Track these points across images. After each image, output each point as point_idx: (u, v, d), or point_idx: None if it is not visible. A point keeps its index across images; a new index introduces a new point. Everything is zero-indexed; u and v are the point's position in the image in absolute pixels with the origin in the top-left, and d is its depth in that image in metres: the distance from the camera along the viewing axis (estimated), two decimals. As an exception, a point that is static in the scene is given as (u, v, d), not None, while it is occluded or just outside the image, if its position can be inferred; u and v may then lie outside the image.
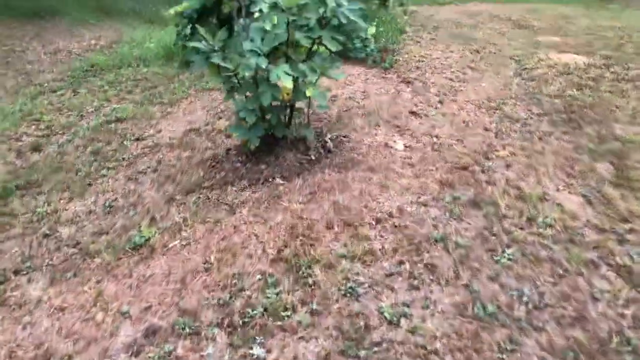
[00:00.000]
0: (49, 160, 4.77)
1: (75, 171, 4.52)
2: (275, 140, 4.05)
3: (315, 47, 3.86)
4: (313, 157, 4.04)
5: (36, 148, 5.09)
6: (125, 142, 5.02)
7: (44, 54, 9.35)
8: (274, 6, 3.63)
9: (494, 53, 7.72)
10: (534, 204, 3.52)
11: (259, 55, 3.53)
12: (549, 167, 4.06)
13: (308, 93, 3.65)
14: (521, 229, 3.25)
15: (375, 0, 8.34)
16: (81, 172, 4.47)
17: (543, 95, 5.76)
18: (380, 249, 3.01)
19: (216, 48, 3.90)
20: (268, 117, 3.91)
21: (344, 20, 3.70)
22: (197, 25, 6.94)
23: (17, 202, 4.08)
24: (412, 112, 5.12)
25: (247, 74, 3.50)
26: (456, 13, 11.59)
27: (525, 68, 6.92)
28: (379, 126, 4.77)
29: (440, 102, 5.49)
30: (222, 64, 3.69)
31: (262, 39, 3.61)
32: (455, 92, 5.82)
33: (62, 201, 4.06)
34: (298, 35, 3.66)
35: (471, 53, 7.71)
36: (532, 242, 3.11)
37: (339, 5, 3.70)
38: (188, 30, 8.37)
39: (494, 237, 3.15)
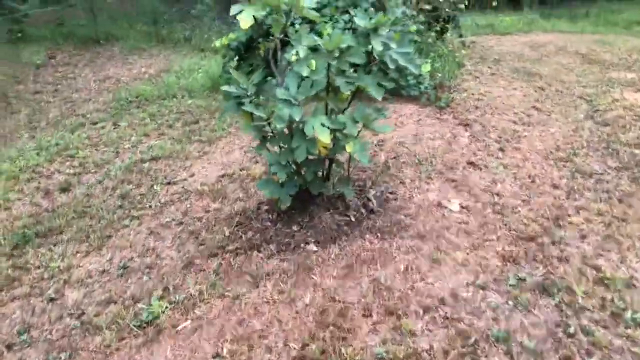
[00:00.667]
0: (74, 204, 4.47)
1: (98, 218, 4.19)
2: (310, 197, 3.58)
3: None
4: (353, 219, 3.54)
5: (65, 188, 4.82)
6: (155, 187, 4.67)
7: (93, 82, 9.32)
8: (313, 49, 3.20)
9: (561, 92, 7.04)
10: (619, 291, 2.88)
11: (293, 105, 3.09)
12: (634, 239, 3.41)
13: (348, 149, 3.17)
14: (605, 327, 2.63)
15: (432, 33, 7.85)
16: (104, 220, 4.14)
17: (620, 144, 5.07)
18: (427, 350, 2.46)
19: (249, 93, 3.50)
20: (303, 171, 3.45)
21: (392, 66, 3.22)
22: (238, 62, 6.57)
23: (32, 253, 3.77)
24: (470, 163, 4.55)
25: (279, 126, 3.06)
26: (518, 44, 10.92)
27: (598, 110, 6.23)
28: (431, 179, 4.23)
29: (502, 149, 4.90)
30: (255, 112, 3.28)
31: (299, 86, 3.18)
32: (519, 138, 5.21)
33: (78, 255, 3.71)
34: (339, 82, 3.20)
35: (536, 91, 7.06)
36: (620, 348, 2.49)
37: (387, 47, 3.23)
38: (234, 63, 8.12)
39: (569, 340, 2.54)
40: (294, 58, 3.23)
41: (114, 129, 6.56)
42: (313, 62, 3.16)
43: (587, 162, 4.68)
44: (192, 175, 4.84)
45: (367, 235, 3.39)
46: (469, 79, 7.62)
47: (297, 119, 3.02)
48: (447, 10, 7.73)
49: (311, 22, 5.86)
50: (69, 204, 4.48)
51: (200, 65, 9.64)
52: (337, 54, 3.20)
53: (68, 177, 5.07)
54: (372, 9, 6.44)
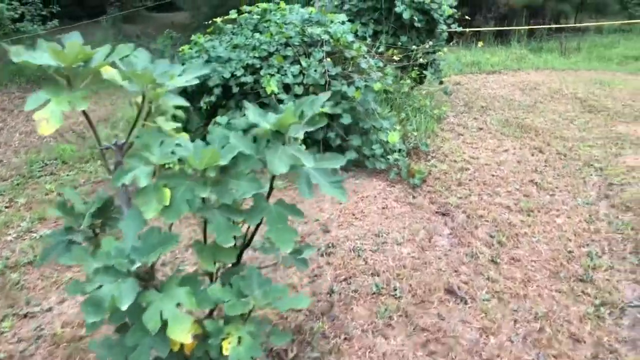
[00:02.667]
0: None
1: None
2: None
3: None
4: None
5: None
6: (5, 322, 3.27)
7: (19, 134, 7.94)
8: (167, 173, 1.85)
9: (564, 155, 5.74)
10: None
11: (123, 276, 1.72)
12: None
13: (225, 350, 1.79)
14: None
15: (407, 81, 6.57)
16: None
17: (653, 245, 3.76)
18: None
19: (82, 227, 2.15)
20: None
21: (308, 196, 1.88)
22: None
23: None
24: (450, 291, 3.19)
25: (91, 320, 1.69)
26: (508, 85, 9.70)
27: (612, 184, 4.93)
28: (392, 327, 2.85)
29: (494, 261, 3.55)
30: (87, 263, 1.90)
31: (139, 238, 1.82)
32: (516, 238, 3.87)
33: None
34: (217, 225, 1.84)
35: (533, 154, 5.76)
36: None
37: (298, 163, 1.88)
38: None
39: None
40: (141, 183, 1.87)
41: (7, 208, 5.16)
42: (167, 193, 1.80)
43: (613, 282, 3.35)
44: (62, 301, 3.44)
45: None
46: (451, 137, 6.32)
47: (125, 307, 1.65)
48: (422, 59, 6.44)
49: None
50: None
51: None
52: (212, 178, 1.85)
53: None
54: (328, 59, 5.15)
